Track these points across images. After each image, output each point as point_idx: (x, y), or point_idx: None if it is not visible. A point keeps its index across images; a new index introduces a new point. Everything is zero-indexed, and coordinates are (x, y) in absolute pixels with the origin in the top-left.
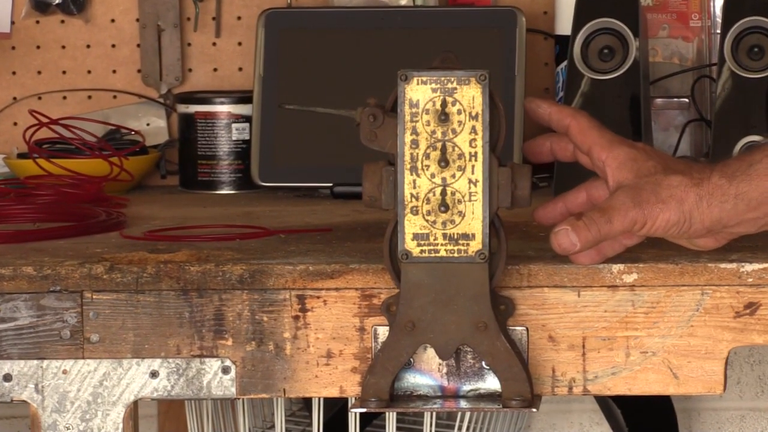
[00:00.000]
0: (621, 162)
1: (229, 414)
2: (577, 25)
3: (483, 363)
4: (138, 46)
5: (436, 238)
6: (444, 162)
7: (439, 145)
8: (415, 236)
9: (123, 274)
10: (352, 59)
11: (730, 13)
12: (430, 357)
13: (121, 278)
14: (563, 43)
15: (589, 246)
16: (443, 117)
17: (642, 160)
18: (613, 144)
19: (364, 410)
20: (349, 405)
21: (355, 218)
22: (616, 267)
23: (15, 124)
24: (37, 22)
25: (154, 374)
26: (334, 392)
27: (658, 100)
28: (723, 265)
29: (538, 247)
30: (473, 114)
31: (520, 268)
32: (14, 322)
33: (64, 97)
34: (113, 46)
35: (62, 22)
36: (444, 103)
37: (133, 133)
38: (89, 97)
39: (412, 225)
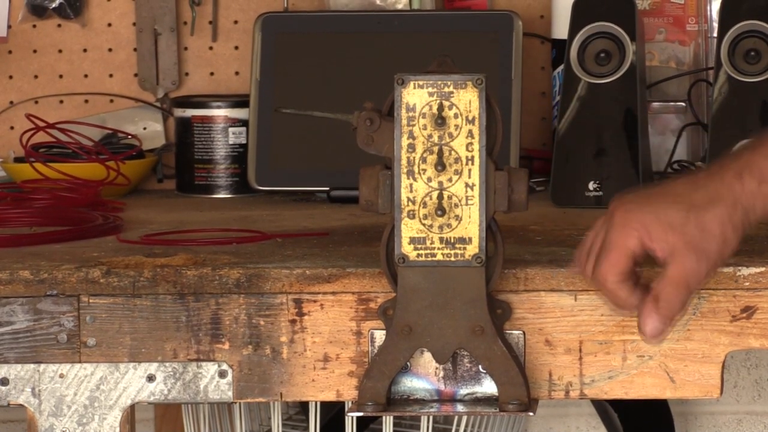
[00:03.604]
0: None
1: (225, 418)
2: (574, 28)
3: (480, 367)
4: (135, 50)
5: (432, 242)
6: (441, 166)
7: (435, 148)
8: (412, 240)
9: (120, 278)
10: (348, 63)
11: (727, 17)
12: (426, 361)
13: (117, 282)
14: (560, 47)
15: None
16: (440, 121)
17: (672, 217)
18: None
19: (360, 414)
20: (346, 409)
21: (351, 222)
22: None
23: (12, 128)
24: (34, 26)
25: (150, 378)
26: (330, 396)
27: (655, 104)
28: (720, 269)
29: (535, 251)
30: (470, 118)
31: (516, 272)
32: (11, 326)
33: (61, 101)
34: (110, 50)
35: (59, 26)
36: (441, 107)
37: (129, 137)
38: (86, 101)
39: (408, 229)
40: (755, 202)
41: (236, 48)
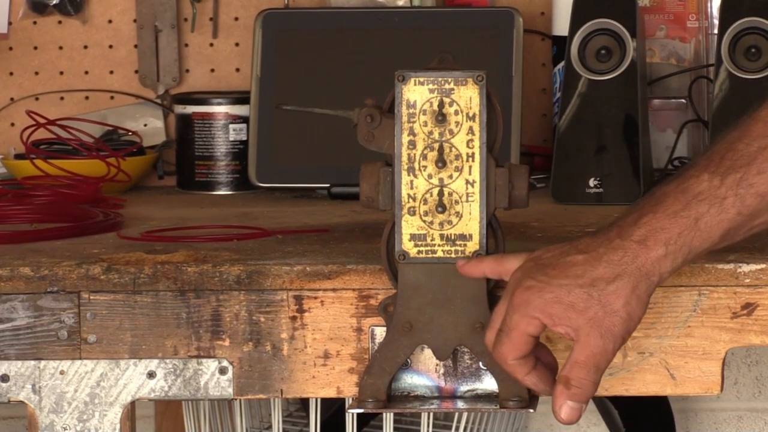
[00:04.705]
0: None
1: (226, 414)
2: (575, 25)
3: (480, 363)
4: (135, 46)
5: (433, 239)
6: (441, 163)
7: (436, 145)
8: (413, 237)
9: (120, 275)
10: (349, 60)
11: (728, 14)
12: (427, 357)
13: (118, 279)
14: (560, 44)
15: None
16: (440, 118)
17: (574, 298)
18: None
19: (361, 411)
20: (347, 405)
21: (352, 219)
22: None
23: (12, 124)
24: (35, 22)
25: (151, 375)
26: (331, 393)
27: (656, 101)
28: (720, 266)
29: (535, 248)
30: (470, 115)
31: None
32: (11, 323)
33: (62, 98)
34: (110, 46)
35: (59, 22)
36: (441, 104)
37: (130, 133)
38: (86, 97)
39: (409, 226)
40: (662, 268)
41: (237, 45)
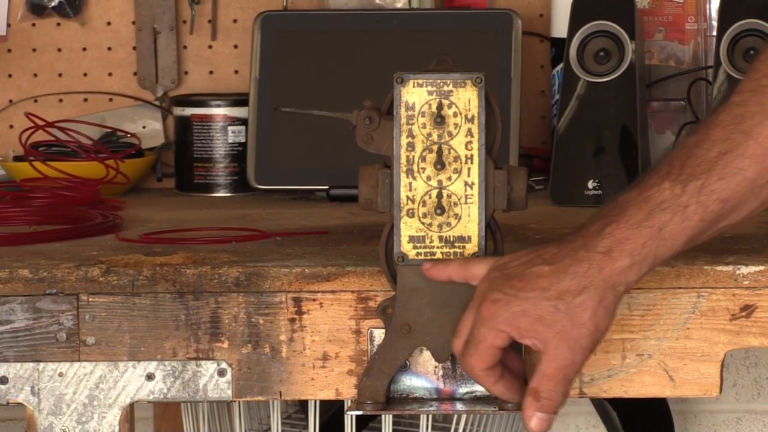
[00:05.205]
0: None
1: (225, 416)
2: (573, 27)
3: None
4: (134, 48)
5: (432, 241)
6: (440, 164)
7: (435, 147)
8: (411, 239)
9: (119, 277)
10: (348, 62)
11: (726, 16)
12: (426, 359)
13: (117, 281)
14: (559, 46)
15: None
16: (439, 119)
17: (541, 310)
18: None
19: (360, 413)
20: (345, 407)
21: (351, 221)
22: None
23: (11, 126)
24: (33, 24)
25: (150, 377)
26: (330, 395)
27: (654, 103)
28: (719, 268)
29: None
30: (469, 116)
31: None
32: (10, 325)
33: (60, 100)
34: (109, 48)
35: (58, 24)
36: (440, 106)
37: (129, 135)
38: (85, 99)
39: (408, 227)
40: (627, 278)
41: (235, 47)
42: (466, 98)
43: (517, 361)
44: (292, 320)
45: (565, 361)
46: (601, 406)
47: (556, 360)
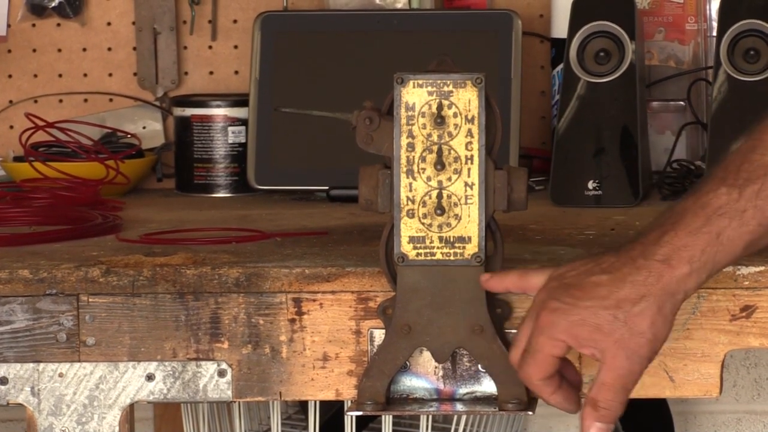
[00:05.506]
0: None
1: (225, 417)
2: (573, 28)
3: (479, 366)
4: (134, 49)
5: (432, 241)
6: (440, 165)
7: (435, 148)
8: (411, 239)
9: (119, 278)
10: (348, 62)
11: (726, 16)
12: (426, 360)
13: (117, 281)
14: (559, 46)
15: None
16: (439, 120)
17: (600, 319)
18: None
19: (360, 413)
20: (345, 408)
21: (351, 221)
22: None
23: (11, 127)
24: (33, 25)
25: (150, 377)
26: (330, 395)
27: (654, 103)
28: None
29: (534, 250)
30: (469, 117)
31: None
32: (10, 325)
33: (60, 101)
34: (109, 49)
35: (58, 25)
36: (440, 106)
37: (129, 136)
38: (85, 100)
39: (408, 228)
40: (687, 286)
41: (236, 47)
42: (467, 99)
43: (574, 372)
44: (292, 321)
45: (623, 371)
46: None
47: (615, 369)
